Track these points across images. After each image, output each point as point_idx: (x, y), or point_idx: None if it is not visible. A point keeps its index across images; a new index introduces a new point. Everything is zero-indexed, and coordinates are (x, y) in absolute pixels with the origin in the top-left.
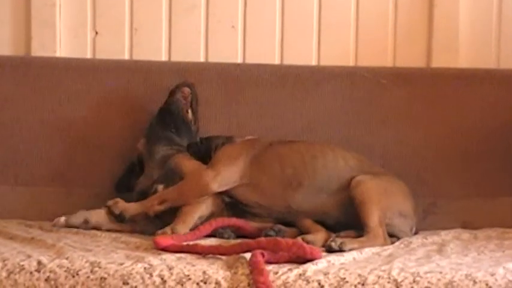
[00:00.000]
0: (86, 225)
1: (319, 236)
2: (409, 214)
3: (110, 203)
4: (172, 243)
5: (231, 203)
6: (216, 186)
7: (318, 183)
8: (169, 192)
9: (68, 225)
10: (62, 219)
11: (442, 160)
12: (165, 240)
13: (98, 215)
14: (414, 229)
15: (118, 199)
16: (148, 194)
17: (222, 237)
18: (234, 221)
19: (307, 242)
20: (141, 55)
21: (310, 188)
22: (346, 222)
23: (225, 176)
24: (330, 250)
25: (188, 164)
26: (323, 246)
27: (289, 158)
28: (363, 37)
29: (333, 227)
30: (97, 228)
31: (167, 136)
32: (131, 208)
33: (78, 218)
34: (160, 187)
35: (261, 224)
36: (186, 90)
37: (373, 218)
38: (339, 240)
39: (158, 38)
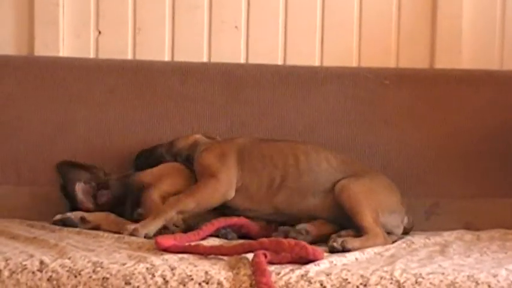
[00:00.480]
0: (83, 224)
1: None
2: (397, 208)
3: (130, 231)
4: (174, 244)
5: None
6: (232, 191)
7: (303, 185)
8: (186, 203)
9: (63, 220)
10: (58, 216)
11: (445, 160)
12: (167, 240)
13: (96, 216)
14: (406, 219)
15: (134, 225)
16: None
17: (225, 238)
18: (236, 220)
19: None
20: (144, 55)
21: (295, 190)
22: (338, 223)
23: (233, 179)
24: (333, 251)
25: (147, 173)
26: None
27: (276, 160)
28: (366, 38)
29: None
30: (95, 228)
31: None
32: (152, 227)
33: (75, 215)
34: (140, 210)
35: (263, 223)
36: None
37: (367, 219)
38: (340, 240)
39: (161, 37)
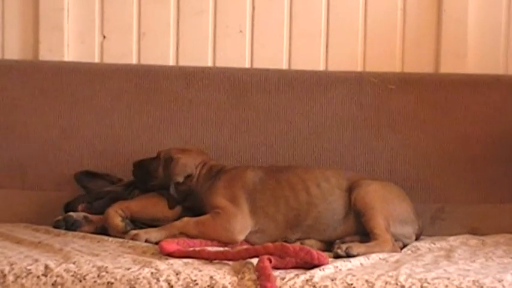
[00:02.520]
0: (87, 222)
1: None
2: (409, 219)
3: (131, 236)
4: (178, 249)
5: None
6: (243, 236)
7: (322, 221)
8: (190, 227)
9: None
10: (61, 217)
11: (450, 165)
12: (170, 245)
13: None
14: (418, 229)
15: (137, 231)
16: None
17: None
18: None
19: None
20: (149, 59)
21: (314, 227)
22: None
23: (246, 224)
24: (337, 257)
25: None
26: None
27: (287, 202)
28: (371, 42)
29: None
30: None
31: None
32: (153, 236)
33: (77, 215)
34: (136, 192)
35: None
36: None
37: (379, 225)
38: (344, 246)
39: (166, 42)
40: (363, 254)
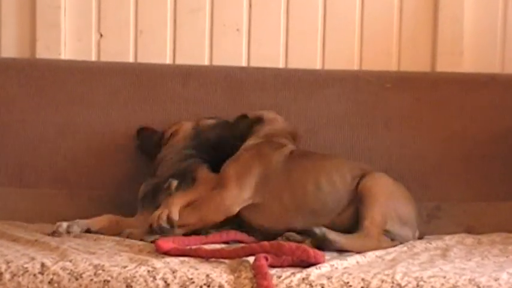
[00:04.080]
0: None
1: None
2: (410, 221)
3: (126, 234)
4: (174, 247)
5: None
6: (237, 207)
7: (326, 207)
8: (189, 217)
9: (68, 232)
10: (64, 225)
11: (446, 164)
12: (166, 244)
13: (100, 223)
14: (417, 234)
15: (131, 230)
16: (161, 191)
17: None
18: (245, 238)
19: None
20: (146, 58)
21: (317, 212)
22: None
23: (242, 196)
24: (311, 235)
25: (202, 172)
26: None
27: (297, 184)
28: (367, 41)
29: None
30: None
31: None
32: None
33: (80, 226)
34: (174, 182)
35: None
36: None
37: (373, 216)
38: (323, 229)
39: (163, 40)
40: (340, 242)
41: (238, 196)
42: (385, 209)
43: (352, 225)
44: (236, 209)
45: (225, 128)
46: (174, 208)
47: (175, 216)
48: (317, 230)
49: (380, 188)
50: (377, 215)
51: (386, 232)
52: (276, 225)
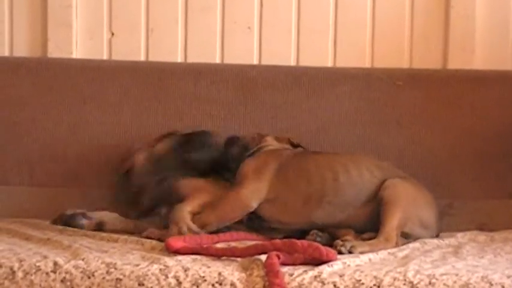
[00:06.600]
0: (86, 219)
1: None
2: (431, 225)
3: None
4: (184, 246)
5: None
6: (255, 203)
7: (343, 199)
8: (208, 216)
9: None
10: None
11: (458, 161)
12: (176, 242)
13: (109, 217)
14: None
15: (152, 230)
16: (152, 215)
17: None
18: (255, 237)
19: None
20: (157, 56)
21: (335, 204)
22: (372, 230)
23: (259, 191)
24: (341, 253)
25: (187, 184)
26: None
27: (313, 174)
28: (379, 38)
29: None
30: (99, 224)
31: (177, 169)
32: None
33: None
34: (163, 211)
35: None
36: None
37: (392, 222)
38: (349, 244)
39: (174, 39)
40: (365, 252)
41: (255, 191)
42: (406, 215)
43: (367, 224)
44: (254, 205)
45: (203, 148)
46: (186, 221)
47: (195, 228)
48: (343, 249)
49: (401, 194)
50: (397, 220)
51: (407, 235)
52: (294, 220)
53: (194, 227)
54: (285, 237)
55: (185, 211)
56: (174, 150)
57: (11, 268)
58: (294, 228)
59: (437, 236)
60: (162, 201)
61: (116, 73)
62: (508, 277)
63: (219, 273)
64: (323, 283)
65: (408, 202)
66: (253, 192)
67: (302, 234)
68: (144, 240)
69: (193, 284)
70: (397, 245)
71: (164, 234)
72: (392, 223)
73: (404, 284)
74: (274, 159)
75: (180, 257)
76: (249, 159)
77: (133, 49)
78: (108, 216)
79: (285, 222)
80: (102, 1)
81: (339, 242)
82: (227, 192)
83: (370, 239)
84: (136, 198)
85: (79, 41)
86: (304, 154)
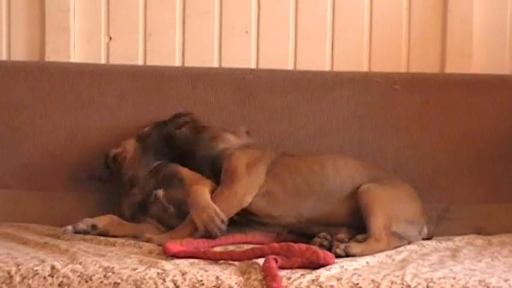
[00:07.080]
0: (94, 230)
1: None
2: (416, 219)
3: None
4: (182, 250)
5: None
6: (250, 197)
7: (329, 189)
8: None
9: (76, 232)
10: (70, 227)
11: (456, 165)
12: (174, 246)
13: (104, 221)
14: (425, 230)
15: (149, 235)
16: (148, 203)
17: None
18: (251, 238)
19: None
20: (155, 60)
21: (322, 195)
22: (359, 228)
23: (253, 186)
24: (337, 256)
25: (186, 172)
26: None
27: (299, 167)
28: (376, 42)
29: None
30: (104, 233)
31: (164, 151)
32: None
33: (85, 223)
34: (160, 192)
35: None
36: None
37: (377, 223)
38: (342, 246)
39: (172, 43)
40: (361, 253)
41: (249, 185)
42: (388, 214)
43: (353, 218)
44: (248, 199)
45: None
46: (213, 206)
47: (222, 215)
48: (338, 251)
49: (377, 195)
50: (381, 218)
51: (393, 234)
52: (284, 212)
53: (221, 213)
54: (278, 235)
55: (206, 193)
56: (156, 128)
57: (9, 272)
58: (283, 222)
59: (430, 238)
60: (162, 185)
61: (114, 77)
62: (506, 281)
63: (217, 277)
64: (321, 287)
65: (387, 203)
66: (247, 187)
67: (292, 231)
68: (141, 243)
69: None
70: (389, 245)
71: (162, 237)
72: (377, 222)
73: None
74: (263, 155)
75: (177, 261)
76: (238, 154)
77: (131, 53)
78: (104, 221)
79: (275, 215)
80: (100, 5)
81: (334, 243)
82: (220, 189)
83: (364, 239)
84: (129, 189)
85: (77, 45)
86: (288, 154)
